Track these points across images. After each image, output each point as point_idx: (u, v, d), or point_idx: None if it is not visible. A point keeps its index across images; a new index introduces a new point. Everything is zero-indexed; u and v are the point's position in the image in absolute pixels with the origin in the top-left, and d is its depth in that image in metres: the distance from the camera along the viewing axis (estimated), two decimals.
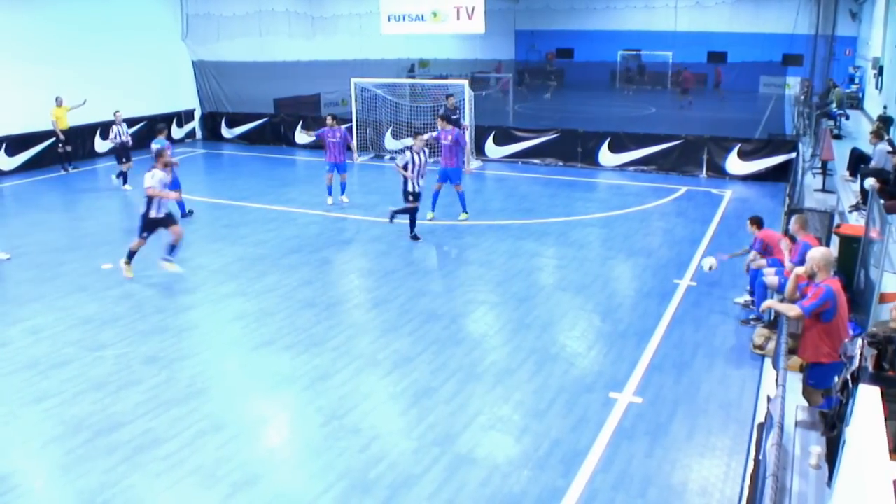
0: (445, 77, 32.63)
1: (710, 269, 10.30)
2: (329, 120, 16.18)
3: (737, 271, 10.84)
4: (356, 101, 22.48)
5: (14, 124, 19.92)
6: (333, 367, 8.43)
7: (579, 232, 14.09)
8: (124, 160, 17.90)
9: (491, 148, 21.75)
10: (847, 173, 15.28)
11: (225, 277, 11.49)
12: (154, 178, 11.10)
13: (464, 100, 20.64)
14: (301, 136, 24.23)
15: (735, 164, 19.22)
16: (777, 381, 6.12)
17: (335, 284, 11.55)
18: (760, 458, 5.48)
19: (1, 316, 10.03)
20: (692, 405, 7.59)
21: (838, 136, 20.65)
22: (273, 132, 25.18)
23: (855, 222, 11.34)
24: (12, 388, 7.97)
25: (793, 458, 5.64)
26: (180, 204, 15.09)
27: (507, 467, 6.50)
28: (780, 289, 8.49)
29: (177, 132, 25.07)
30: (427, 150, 13.78)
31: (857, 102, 30.18)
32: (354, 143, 21.03)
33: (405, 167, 13.14)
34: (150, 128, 21.39)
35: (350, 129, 20.66)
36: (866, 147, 15.55)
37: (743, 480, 6.22)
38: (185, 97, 25.96)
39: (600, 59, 46.42)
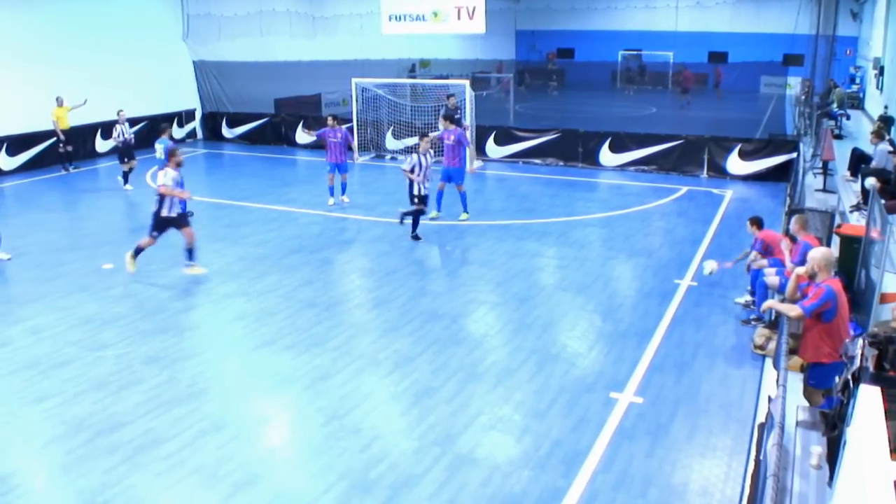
0: (446, 77, 32.62)
1: (711, 273, 10.33)
2: (330, 120, 16.18)
3: (737, 272, 10.84)
4: (357, 101, 22.48)
5: (15, 124, 19.93)
6: (334, 367, 8.43)
7: (580, 232, 14.08)
8: (126, 160, 17.90)
9: (492, 148, 21.75)
10: (848, 173, 15.28)
11: (226, 277, 11.50)
12: (167, 177, 11.09)
13: (464, 100, 20.63)
14: (302, 136, 24.22)
15: (736, 164, 19.21)
16: (778, 381, 6.12)
17: (336, 284, 11.56)
18: (761, 458, 5.48)
19: (2, 316, 10.03)
20: (693, 405, 7.59)
21: (839, 136, 20.65)
22: (274, 132, 25.19)
23: (856, 222, 11.34)
24: (13, 388, 7.97)
25: (793, 459, 5.65)
26: (182, 203, 15.07)
27: (507, 467, 6.50)
28: (780, 289, 8.49)
29: (177, 132, 25.06)
30: (432, 151, 13.79)
31: (857, 102, 30.17)
32: (355, 144, 21.05)
33: (412, 170, 13.12)
34: (151, 128, 21.50)
35: (351, 130, 20.67)
36: (867, 147, 15.54)
37: (744, 481, 6.22)
38: (185, 97, 25.97)
39: (601, 59, 46.41)
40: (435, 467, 6.49)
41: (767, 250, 9.66)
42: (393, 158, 22.27)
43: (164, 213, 11.22)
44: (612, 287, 11.27)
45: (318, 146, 20.38)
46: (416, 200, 13.28)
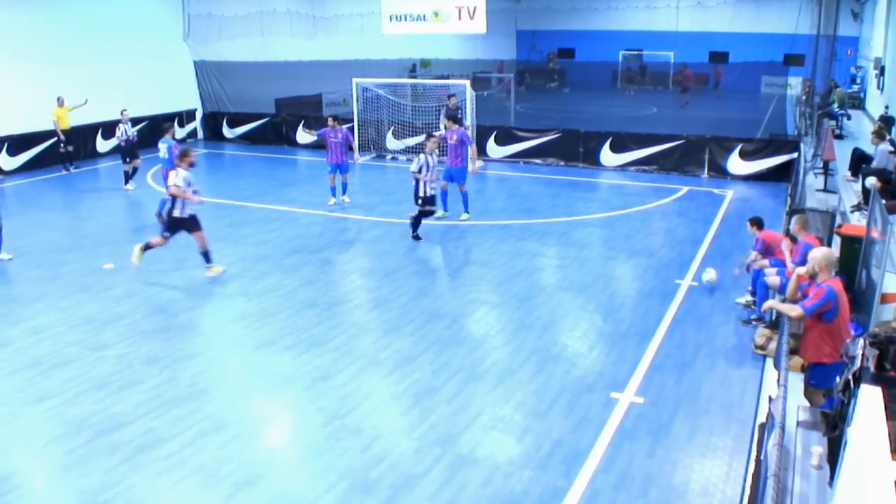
0: (447, 77, 32.63)
1: (709, 282, 10.32)
2: (330, 121, 16.18)
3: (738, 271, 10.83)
4: (357, 101, 22.48)
5: (16, 124, 19.94)
6: (335, 367, 8.43)
7: (581, 232, 14.08)
8: (129, 159, 17.90)
9: (492, 148, 21.75)
10: (849, 173, 15.28)
11: (226, 277, 11.49)
12: (178, 177, 11.04)
13: (465, 100, 20.64)
14: (303, 136, 24.24)
15: (736, 164, 19.21)
16: (778, 381, 6.11)
17: (337, 284, 11.56)
18: (762, 458, 5.47)
19: (3, 316, 10.04)
20: (693, 405, 7.59)
21: (840, 137, 20.65)
22: (274, 132, 25.20)
23: (856, 222, 11.34)
24: (14, 388, 7.98)
25: (794, 459, 5.64)
26: (161, 202, 15.08)
27: (508, 467, 6.50)
28: (781, 289, 8.49)
29: (178, 132, 25.03)
30: (437, 151, 13.79)
31: (858, 102, 30.17)
32: (356, 144, 21.05)
33: (419, 171, 13.10)
34: (152, 128, 21.51)
35: (352, 130, 20.67)
36: (868, 147, 15.54)
37: (744, 481, 6.21)
38: (186, 97, 25.98)
39: (602, 59, 46.40)
40: (435, 467, 6.49)
41: (768, 250, 9.66)
42: (394, 158, 22.28)
43: (177, 213, 11.15)
44: (613, 287, 11.27)
45: (318, 146, 20.38)
46: (420, 201, 13.26)
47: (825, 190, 14.95)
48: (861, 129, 22.96)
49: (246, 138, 25.61)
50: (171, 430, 7.11)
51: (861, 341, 5.72)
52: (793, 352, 6.96)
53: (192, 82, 26.39)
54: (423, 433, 7.06)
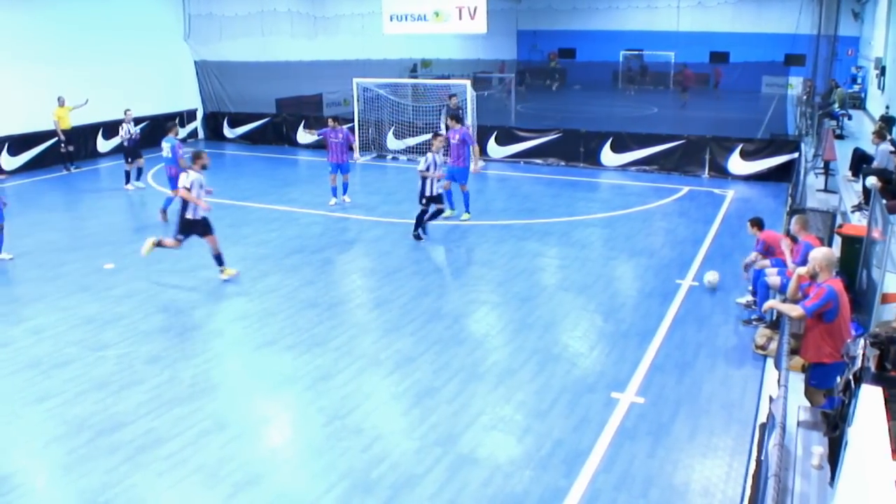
0: (447, 77, 32.64)
1: (710, 284, 10.31)
2: (331, 121, 16.18)
3: (739, 272, 10.83)
4: (358, 101, 22.48)
5: (16, 124, 19.95)
6: (335, 367, 8.43)
7: (581, 232, 14.08)
8: (131, 159, 17.90)
9: (493, 148, 21.75)
10: (849, 173, 15.28)
11: (227, 277, 11.48)
12: (188, 180, 10.96)
13: (466, 100, 20.64)
14: (304, 136, 24.26)
15: (737, 164, 19.20)
16: (779, 381, 6.11)
17: (337, 284, 11.56)
18: (762, 458, 5.47)
19: (3, 316, 10.04)
20: (694, 405, 7.59)
21: (840, 137, 20.65)
22: (275, 132, 25.20)
23: (857, 222, 11.34)
24: (14, 388, 7.98)
25: (795, 459, 5.64)
26: (167, 200, 15.10)
27: (509, 467, 6.50)
28: (782, 289, 8.49)
29: (179, 132, 25.05)
30: (443, 150, 13.79)
31: (859, 102, 30.17)
32: (357, 144, 21.05)
33: (427, 169, 13.08)
34: (153, 127, 21.49)
35: (352, 129, 20.67)
36: (868, 147, 15.54)
37: (745, 481, 6.21)
38: (187, 97, 25.99)
39: (602, 59, 46.40)
40: (436, 467, 6.49)
41: (769, 251, 9.65)
42: (394, 158, 22.29)
43: (189, 216, 11.05)
44: (614, 287, 11.27)
45: (319, 146, 20.41)
46: (425, 200, 13.23)
47: (826, 190, 14.95)
48: (862, 129, 22.96)
49: (246, 138, 25.62)
50: (171, 429, 7.11)
51: (862, 341, 5.72)
52: (793, 352, 6.96)
53: (192, 82, 26.40)
54: (423, 433, 7.06)
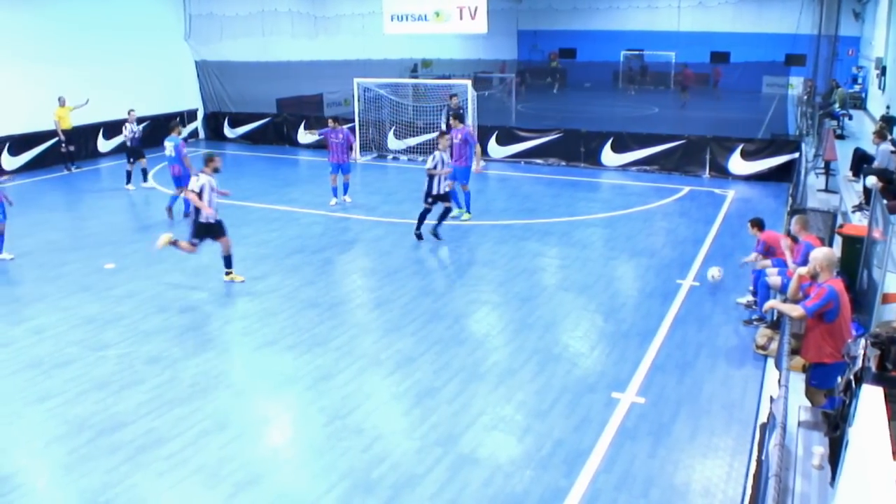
0: (448, 77, 32.65)
1: (713, 278, 10.31)
2: (331, 122, 16.19)
3: (739, 272, 10.84)
4: (359, 101, 22.49)
5: (17, 124, 19.96)
6: (336, 367, 8.44)
7: (582, 232, 14.08)
8: (132, 160, 17.89)
9: (494, 148, 21.74)
10: (850, 173, 15.26)
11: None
12: (197, 182, 10.87)
13: (466, 100, 20.64)
14: (305, 136, 24.27)
15: (738, 164, 19.20)
16: (780, 381, 6.11)
17: (338, 284, 11.56)
18: (763, 458, 5.47)
19: (4, 315, 10.05)
20: (695, 405, 7.59)
21: (841, 137, 20.62)
22: (276, 132, 25.21)
23: (858, 222, 11.33)
24: (15, 388, 7.99)
25: (795, 459, 5.64)
26: (185, 202, 15.11)
27: (509, 467, 6.50)
28: (782, 289, 8.48)
29: (182, 131, 25.06)
30: (450, 149, 13.77)
31: (860, 102, 30.13)
32: (357, 144, 21.04)
33: (435, 168, 13.04)
34: (154, 127, 21.49)
35: (353, 130, 20.67)
36: (869, 147, 15.52)
37: (746, 481, 6.22)
38: (187, 97, 25.99)
39: (603, 59, 46.39)
40: (437, 467, 6.49)
41: (769, 251, 9.65)
42: (395, 158, 22.30)
43: (202, 219, 10.93)
44: (614, 287, 11.26)
45: (320, 146, 20.43)
46: (431, 199, 13.20)
47: (826, 190, 14.94)
48: (862, 129, 22.94)
49: (247, 138, 25.63)
50: (172, 429, 7.12)
51: (862, 341, 5.71)
52: (794, 352, 6.96)
53: (193, 82, 26.41)
54: (424, 433, 7.06)
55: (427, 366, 8.46)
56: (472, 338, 9.35)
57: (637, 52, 46.63)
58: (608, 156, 20.59)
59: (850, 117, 23.97)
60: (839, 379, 6.16)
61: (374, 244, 13.40)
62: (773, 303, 7.49)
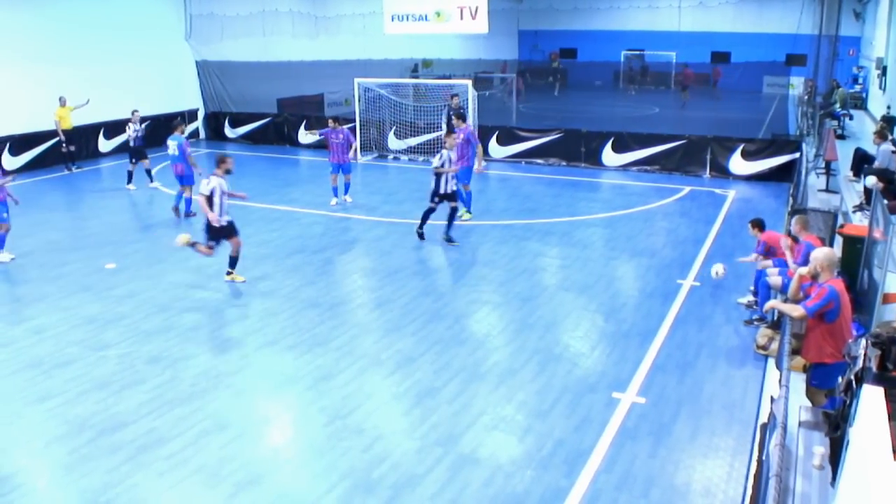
0: (449, 77, 32.64)
1: (717, 275, 10.30)
2: (331, 122, 16.19)
3: (740, 272, 10.83)
4: (359, 101, 22.50)
5: (18, 124, 19.96)
6: (337, 367, 8.44)
7: (583, 232, 14.08)
8: (134, 160, 17.88)
9: (494, 148, 21.74)
10: (851, 173, 15.26)
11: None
12: (208, 186, 10.77)
13: (467, 100, 20.64)
14: (305, 136, 24.28)
15: (738, 164, 19.20)
16: (780, 381, 6.11)
17: (338, 284, 11.56)
18: (764, 458, 5.47)
19: (5, 315, 10.05)
20: (695, 405, 7.59)
21: (842, 137, 20.62)
22: (276, 132, 25.22)
23: (858, 222, 11.33)
24: (16, 388, 7.99)
25: (796, 459, 5.64)
26: (187, 202, 15.13)
27: (510, 467, 6.50)
28: (783, 289, 8.48)
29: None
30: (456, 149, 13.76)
31: (860, 103, 30.12)
32: (357, 144, 21.03)
33: (442, 166, 13.00)
34: (155, 127, 21.48)
35: (353, 130, 20.67)
36: (870, 147, 15.52)
37: (746, 481, 6.21)
38: (188, 97, 25.99)
39: (604, 59, 46.40)
40: (437, 467, 6.49)
41: (770, 252, 9.65)
42: (395, 158, 22.30)
43: (215, 222, 10.90)
44: (615, 287, 11.26)
45: (320, 146, 20.43)
46: (437, 198, 13.17)
47: (827, 190, 14.94)
48: (863, 129, 22.93)
49: (248, 138, 25.65)
50: (172, 429, 7.12)
51: (863, 341, 5.70)
52: (795, 352, 6.95)
53: (193, 82, 26.42)
54: (424, 433, 7.06)
55: (428, 366, 8.46)
56: (473, 338, 9.35)
57: (638, 52, 46.63)
58: (609, 156, 20.59)
59: (851, 117, 23.96)
60: (840, 379, 6.16)
61: (374, 244, 13.40)
62: (774, 303, 7.49)
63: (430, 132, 21.90)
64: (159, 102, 24.09)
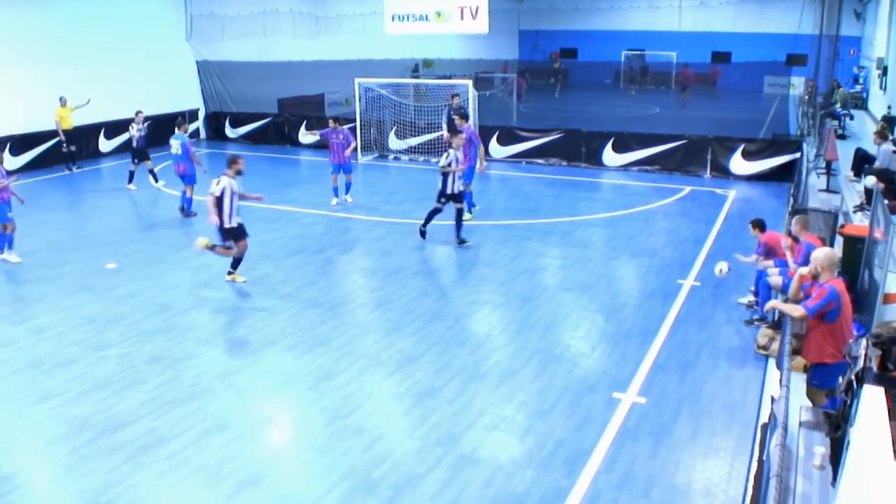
0: (449, 77, 32.64)
1: (721, 272, 10.29)
2: (331, 122, 16.20)
3: (741, 272, 10.83)
4: (360, 101, 22.49)
5: (18, 124, 19.96)
6: (337, 367, 8.44)
7: (583, 232, 14.08)
8: (136, 161, 17.88)
9: (495, 148, 21.74)
10: (851, 173, 15.26)
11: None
12: (219, 187, 10.69)
13: (468, 100, 20.64)
14: (306, 137, 24.28)
15: (739, 164, 19.19)
16: (781, 381, 6.11)
17: (339, 284, 11.56)
18: (764, 458, 5.47)
19: (5, 315, 10.06)
20: (696, 405, 7.58)
21: (842, 137, 20.61)
22: (277, 132, 25.22)
23: (859, 222, 11.32)
24: (16, 388, 7.99)
25: (797, 459, 5.63)
26: (188, 202, 15.13)
27: (510, 467, 6.50)
28: (784, 289, 8.48)
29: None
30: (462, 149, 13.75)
31: (861, 102, 30.10)
32: (358, 144, 21.03)
33: (449, 165, 12.98)
34: (156, 127, 21.49)
35: (353, 130, 20.67)
36: (870, 147, 15.51)
37: (747, 481, 6.21)
38: (189, 97, 25.99)
39: (604, 59, 46.40)
40: (438, 467, 6.49)
41: (770, 252, 9.64)
42: (396, 158, 22.30)
43: (226, 223, 10.85)
44: (616, 287, 11.26)
45: (321, 146, 20.43)
46: (444, 199, 13.15)
47: (828, 190, 14.93)
48: (864, 129, 22.93)
49: (248, 138, 25.65)
50: (173, 429, 7.12)
51: (864, 342, 5.70)
52: (795, 352, 6.95)
53: (194, 82, 26.42)
54: (425, 433, 7.06)
55: (428, 366, 8.46)
56: (474, 338, 9.34)
57: (638, 52, 46.61)
58: (609, 156, 20.58)
59: (852, 117, 23.96)
60: (840, 379, 6.16)
61: (375, 244, 13.40)
62: (775, 303, 7.48)
63: (431, 132, 21.89)
64: (160, 102, 24.08)
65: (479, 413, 7.42)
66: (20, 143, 20.20)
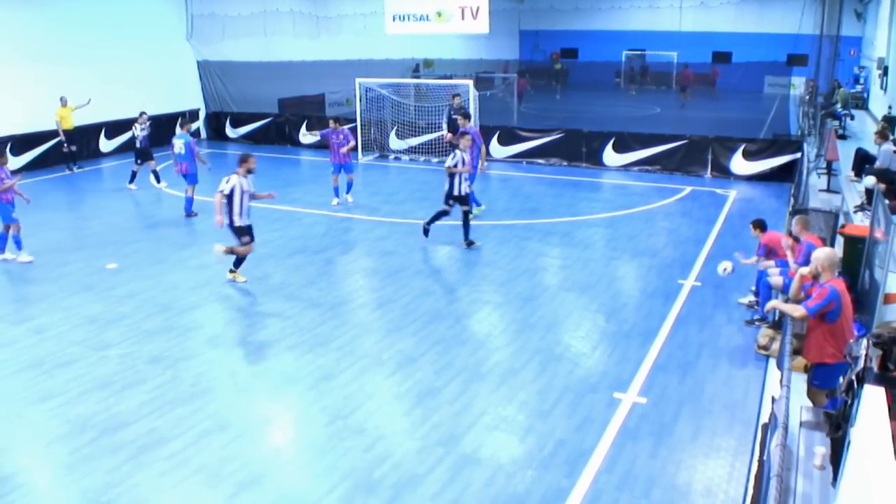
0: (450, 77, 32.64)
1: (724, 271, 10.29)
2: (332, 122, 16.21)
3: (741, 272, 10.82)
4: (360, 101, 22.50)
5: (19, 124, 19.97)
6: (338, 367, 8.44)
7: (584, 232, 14.08)
8: (139, 161, 17.88)
9: (496, 148, 21.74)
10: (852, 173, 15.26)
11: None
12: (228, 185, 10.65)
13: (468, 100, 20.64)
14: (306, 137, 24.28)
15: (740, 164, 19.19)
16: (781, 381, 6.11)
17: (340, 284, 11.56)
18: (765, 458, 5.47)
19: (6, 315, 10.06)
20: (696, 405, 7.58)
21: (843, 137, 20.62)
22: (278, 132, 25.23)
23: (860, 222, 11.32)
24: (17, 388, 7.99)
25: (797, 459, 5.64)
26: (189, 201, 15.14)
27: (511, 467, 6.50)
28: (784, 289, 8.48)
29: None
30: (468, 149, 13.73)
31: (861, 103, 30.11)
32: (358, 144, 21.03)
33: (455, 166, 12.95)
34: (156, 127, 21.48)
35: (354, 130, 20.68)
36: (871, 147, 15.52)
37: (747, 481, 6.21)
38: (189, 97, 26.00)
39: (605, 59, 46.39)
40: (438, 467, 6.49)
41: (771, 253, 9.64)
42: (397, 158, 22.30)
43: (237, 222, 10.83)
44: (616, 287, 11.26)
45: (321, 146, 20.43)
46: (451, 200, 13.11)
47: (828, 190, 14.94)
48: (864, 129, 22.93)
49: (249, 138, 25.65)
50: (173, 429, 7.12)
51: (864, 342, 5.71)
52: (796, 352, 6.95)
53: (195, 82, 26.43)
54: (425, 433, 7.06)
55: (429, 366, 8.46)
56: (474, 338, 9.35)
57: (639, 52, 46.60)
58: (610, 156, 20.59)
59: (852, 117, 23.96)
60: (841, 379, 6.16)
61: (375, 244, 13.40)
62: (775, 303, 7.48)
63: (432, 132, 21.90)
64: (160, 102, 24.09)
65: (480, 413, 7.42)
66: (21, 143, 20.20)
